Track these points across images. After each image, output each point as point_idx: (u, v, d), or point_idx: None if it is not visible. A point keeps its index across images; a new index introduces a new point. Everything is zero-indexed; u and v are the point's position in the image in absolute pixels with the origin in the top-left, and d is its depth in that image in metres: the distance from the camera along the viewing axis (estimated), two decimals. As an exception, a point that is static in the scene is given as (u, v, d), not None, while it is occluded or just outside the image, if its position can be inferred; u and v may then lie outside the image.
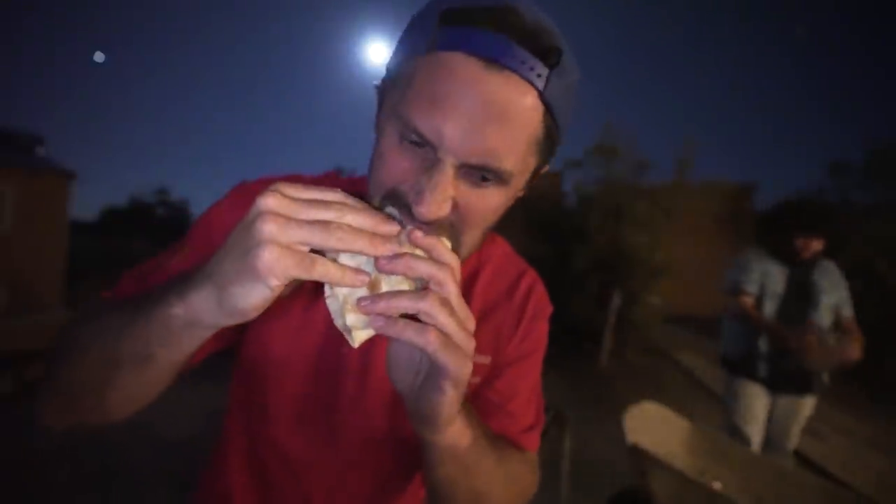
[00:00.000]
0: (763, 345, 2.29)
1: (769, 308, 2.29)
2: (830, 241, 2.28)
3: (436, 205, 0.42)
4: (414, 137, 0.43)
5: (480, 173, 0.44)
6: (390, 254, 0.36)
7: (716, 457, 2.00)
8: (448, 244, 0.42)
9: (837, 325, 2.29)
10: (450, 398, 0.42)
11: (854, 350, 2.13)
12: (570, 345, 7.03)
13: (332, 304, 0.39)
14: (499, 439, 0.59)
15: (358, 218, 0.36)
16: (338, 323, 0.39)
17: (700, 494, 1.54)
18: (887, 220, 7.11)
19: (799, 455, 2.38)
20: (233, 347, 0.65)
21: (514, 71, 0.41)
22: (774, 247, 2.35)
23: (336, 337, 0.45)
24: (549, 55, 0.42)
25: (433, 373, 0.41)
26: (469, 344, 0.40)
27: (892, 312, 6.38)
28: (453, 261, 0.39)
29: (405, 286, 0.39)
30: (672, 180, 7.96)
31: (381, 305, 0.37)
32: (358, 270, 0.36)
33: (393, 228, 0.37)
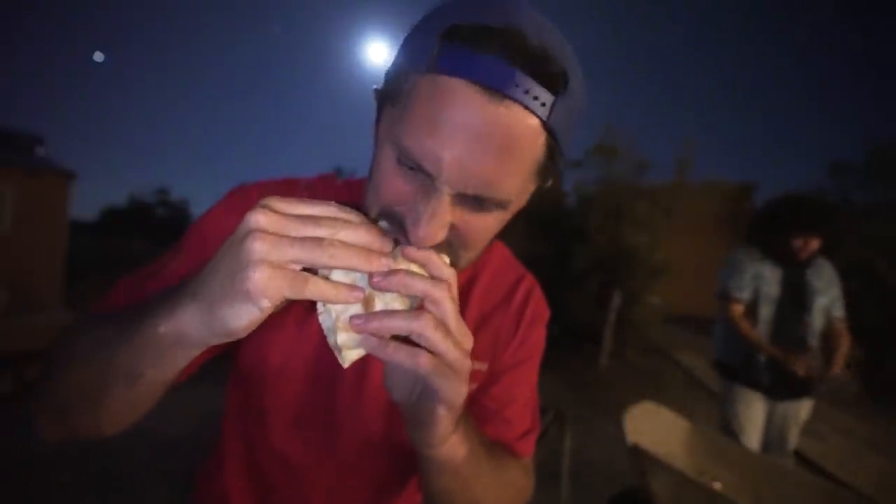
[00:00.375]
0: (760, 354, 2.20)
1: (765, 312, 2.20)
2: (829, 240, 2.17)
3: (432, 232, 0.41)
4: (411, 164, 0.41)
5: (478, 201, 0.43)
6: (385, 269, 0.35)
7: (716, 457, 2.00)
8: (445, 258, 0.41)
9: (828, 324, 2.22)
10: (443, 419, 0.42)
11: (840, 365, 2.12)
12: (569, 345, 7.03)
13: (324, 320, 0.38)
14: (495, 446, 0.59)
15: (352, 234, 0.35)
16: (330, 340, 0.38)
17: (700, 494, 1.54)
18: (887, 220, 7.11)
19: (799, 455, 2.36)
20: (230, 352, 0.64)
21: (517, 101, 0.39)
22: (769, 246, 2.23)
23: None
24: (554, 81, 0.40)
25: (427, 394, 0.40)
26: (464, 365, 0.39)
27: (892, 312, 6.38)
28: (450, 275, 0.38)
29: (399, 303, 0.38)
30: (672, 180, 7.97)
31: (373, 325, 0.36)
32: (352, 287, 0.35)
33: (388, 244, 0.36)
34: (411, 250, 0.37)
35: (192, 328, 0.35)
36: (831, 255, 2.26)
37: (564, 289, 7.26)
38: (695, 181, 8.36)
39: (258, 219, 0.33)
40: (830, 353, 2.18)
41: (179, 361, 0.39)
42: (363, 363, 0.61)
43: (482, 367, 0.64)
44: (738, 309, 2.24)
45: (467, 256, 0.48)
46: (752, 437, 2.18)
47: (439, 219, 0.41)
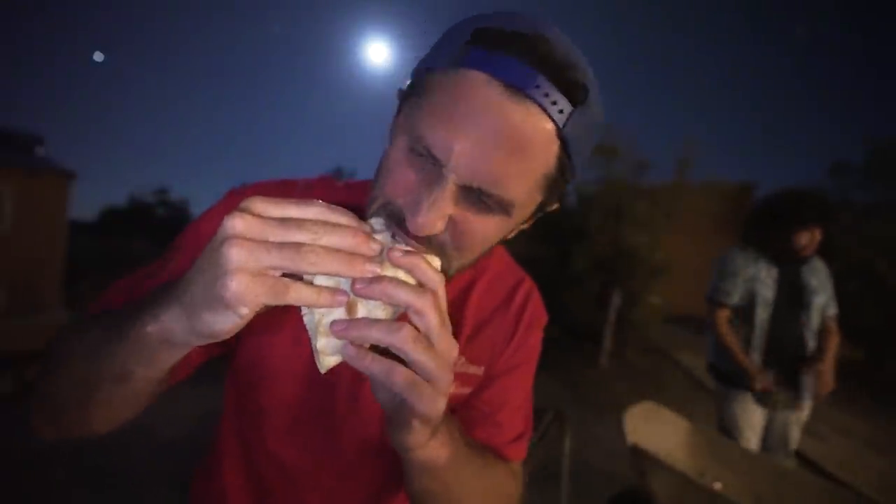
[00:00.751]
0: (756, 358, 2.15)
1: (761, 314, 2.14)
2: (826, 237, 2.11)
3: (431, 220, 0.41)
4: (422, 150, 0.42)
5: (482, 198, 0.42)
6: (369, 275, 0.34)
7: (716, 457, 2.00)
8: (436, 262, 0.39)
9: (821, 323, 2.19)
10: (418, 429, 0.41)
11: (827, 384, 2.11)
12: (569, 345, 7.03)
13: (308, 321, 0.37)
14: (481, 450, 0.58)
15: (335, 237, 0.33)
16: (312, 343, 0.37)
17: (700, 495, 1.54)
18: (887, 220, 7.12)
19: (799, 455, 2.35)
20: (228, 353, 0.64)
21: (536, 102, 0.40)
22: (768, 244, 2.14)
23: None
24: (574, 92, 0.41)
25: (403, 405, 0.39)
26: (444, 379, 0.37)
27: (892, 312, 6.38)
28: (438, 281, 0.37)
29: (383, 311, 0.37)
30: (672, 180, 7.97)
31: (353, 334, 0.35)
32: (335, 291, 0.34)
33: (374, 247, 0.34)
34: (397, 256, 0.36)
35: (177, 330, 0.35)
36: (826, 252, 2.20)
37: (564, 289, 7.26)
38: (695, 181, 8.36)
39: (235, 224, 0.31)
40: (823, 353, 2.16)
41: (167, 360, 0.39)
42: None
43: (478, 371, 0.64)
44: (724, 314, 2.19)
45: (460, 261, 0.47)
46: (752, 440, 2.14)
47: (440, 208, 0.41)
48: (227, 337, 0.34)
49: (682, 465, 1.82)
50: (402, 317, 0.38)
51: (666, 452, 1.87)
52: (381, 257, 0.35)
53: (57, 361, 0.47)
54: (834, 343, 2.17)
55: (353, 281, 0.34)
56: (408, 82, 0.48)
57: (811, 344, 2.15)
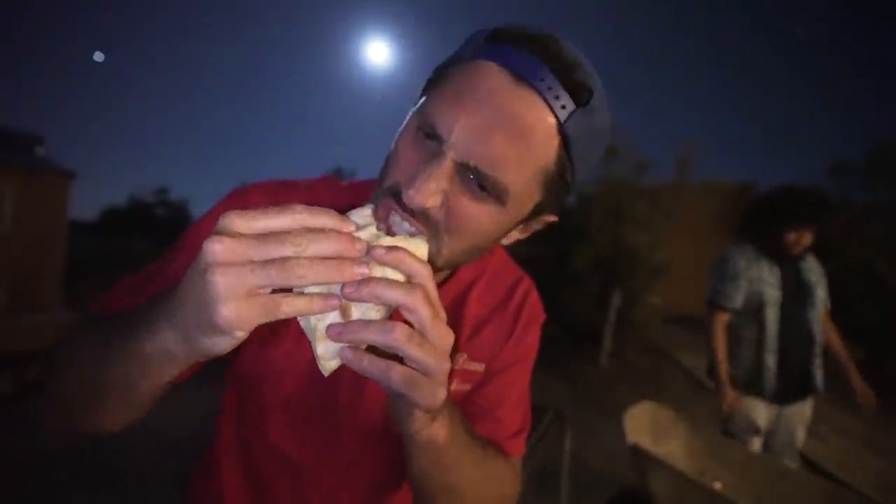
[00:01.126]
0: (770, 359, 2.08)
1: (770, 315, 2.08)
2: (823, 235, 2.10)
3: (425, 191, 0.42)
4: (427, 129, 0.44)
5: (478, 181, 0.44)
6: (358, 278, 0.34)
7: (716, 457, 2.00)
8: (421, 249, 0.40)
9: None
10: (419, 416, 0.43)
11: (868, 395, 2.14)
12: (569, 345, 7.03)
13: (305, 327, 0.37)
14: (482, 442, 0.59)
15: (320, 245, 0.32)
16: (312, 348, 0.37)
17: (700, 495, 1.54)
18: (887, 220, 7.11)
19: (799, 455, 2.34)
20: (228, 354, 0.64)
21: (540, 94, 0.42)
22: (766, 241, 2.10)
23: None
24: (579, 92, 0.43)
25: (404, 398, 0.40)
26: (441, 369, 0.38)
27: (892, 312, 6.37)
28: (425, 272, 0.37)
29: (376, 311, 0.38)
30: (672, 180, 7.96)
31: (348, 336, 0.35)
32: (326, 296, 0.34)
33: (360, 247, 0.34)
34: (381, 254, 0.36)
35: (174, 350, 0.35)
36: (822, 250, 2.20)
37: (564, 288, 7.26)
38: (695, 181, 8.36)
39: (215, 250, 0.30)
40: (828, 348, 2.17)
41: (170, 373, 0.40)
42: None
43: (479, 367, 0.65)
44: (723, 318, 2.13)
45: (450, 246, 0.47)
46: (754, 443, 2.11)
47: (435, 181, 0.42)
48: (227, 352, 0.35)
49: (682, 465, 1.82)
50: (396, 313, 0.38)
51: (666, 452, 1.87)
52: (369, 256, 0.36)
53: (64, 366, 0.48)
54: (838, 342, 2.18)
55: (343, 285, 0.34)
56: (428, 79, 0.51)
57: (818, 339, 2.14)
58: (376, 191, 0.49)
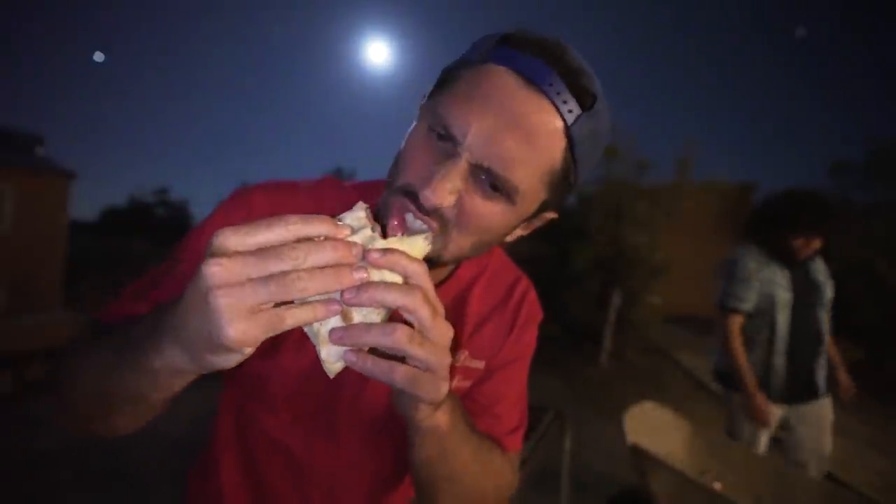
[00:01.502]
0: (780, 361, 2.06)
1: (782, 318, 2.06)
2: (828, 240, 2.09)
3: (441, 191, 0.44)
4: (440, 130, 0.46)
5: (491, 181, 0.46)
6: (357, 283, 0.34)
7: (716, 457, 2.00)
8: (419, 244, 0.41)
9: None
10: (424, 408, 0.44)
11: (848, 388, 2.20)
12: (569, 345, 7.03)
13: (309, 332, 0.38)
14: (481, 435, 0.60)
15: (318, 256, 0.33)
16: (317, 352, 0.38)
17: (700, 495, 1.54)
18: (887, 220, 7.10)
19: (827, 464, 2.28)
20: None
21: (548, 97, 0.44)
22: (773, 245, 2.08)
23: None
24: (584, 97, 0.45)
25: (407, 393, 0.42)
26: (444, 365, 0.40)
27: (892, 312, 6.37)
28: (420, 272, 0.37)
29: (377, 314, 0.38)
30: (672, 180, 7.95)
31: (350, 340, 0.36)
32: (328, 302, 0.35)
33: (357, 252, 0.35)
34: (376, 258, 0.36)
35: (184, 367, 0.36)
36: (825, 253, 2.18)
37: (564, 288, 7.26)
38: (695, 181, 8.35)
39: (213, 272, 0.31)
40: (836, 360, 2.19)
41: (178, 385, 0.41)
42: None
43: (479, 364, 0.66)
44: (737, 321, 2.09)
45: (458, 242, 0.49)
46: (760, 446, 2.08)
47: (451, 181, 0.44)
48: (234, 365, 0.36)
49: (682, 465, 1.82)
50: (395, 312, 0.39)
51: (666, 452, 1.87)
52: (365, 260, 0.37)
53: (75, 375, 0.48)
54: (830, 340, 2.18)
55: (342, 291, 0.35)
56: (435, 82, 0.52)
57: (825, 340, 2.14)
58: (387, 190, 0.50)
